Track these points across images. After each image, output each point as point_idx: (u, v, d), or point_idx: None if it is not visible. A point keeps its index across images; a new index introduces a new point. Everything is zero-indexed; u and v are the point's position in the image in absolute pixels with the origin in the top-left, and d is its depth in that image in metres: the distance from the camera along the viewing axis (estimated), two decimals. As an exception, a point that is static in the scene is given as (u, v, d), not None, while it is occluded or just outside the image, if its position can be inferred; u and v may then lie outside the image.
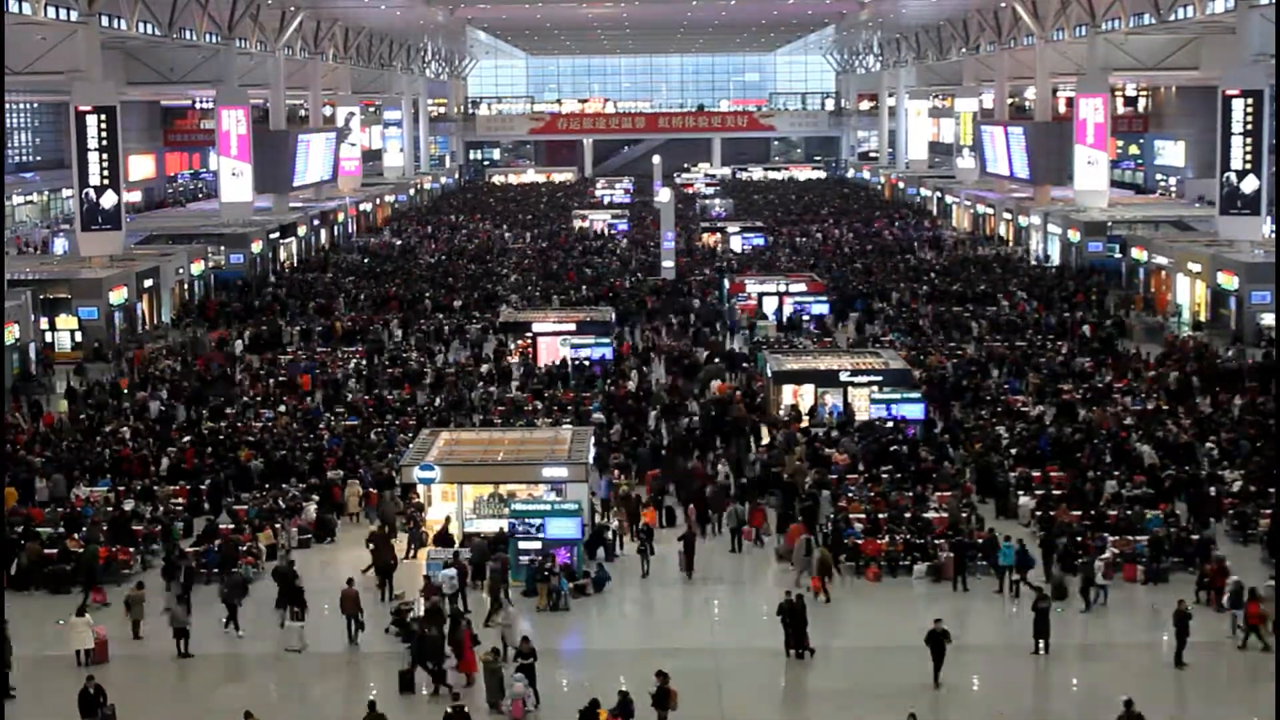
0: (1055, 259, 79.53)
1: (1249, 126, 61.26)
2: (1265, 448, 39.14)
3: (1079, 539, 32.80)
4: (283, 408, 46.54)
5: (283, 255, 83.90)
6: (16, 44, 62.04)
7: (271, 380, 51.21)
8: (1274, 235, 64.03)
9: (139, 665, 28.41)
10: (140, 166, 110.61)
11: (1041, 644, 28.02)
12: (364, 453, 40.69)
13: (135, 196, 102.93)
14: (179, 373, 52.61)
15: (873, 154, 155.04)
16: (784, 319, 60.91)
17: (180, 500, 37.43)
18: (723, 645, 29.16)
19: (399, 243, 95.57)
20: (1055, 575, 31.29)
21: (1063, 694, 27.16)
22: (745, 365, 52.51)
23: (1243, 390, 46.44)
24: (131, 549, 33.90)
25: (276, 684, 28.13)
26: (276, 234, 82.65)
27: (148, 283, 63.70)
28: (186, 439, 42.38)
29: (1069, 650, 28.49)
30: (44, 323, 56.77)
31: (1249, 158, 61.52)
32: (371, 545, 32.78)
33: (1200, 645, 28.13)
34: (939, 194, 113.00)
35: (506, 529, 32.89)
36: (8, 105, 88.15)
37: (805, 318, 60.85)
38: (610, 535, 34.34)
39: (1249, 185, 61.79)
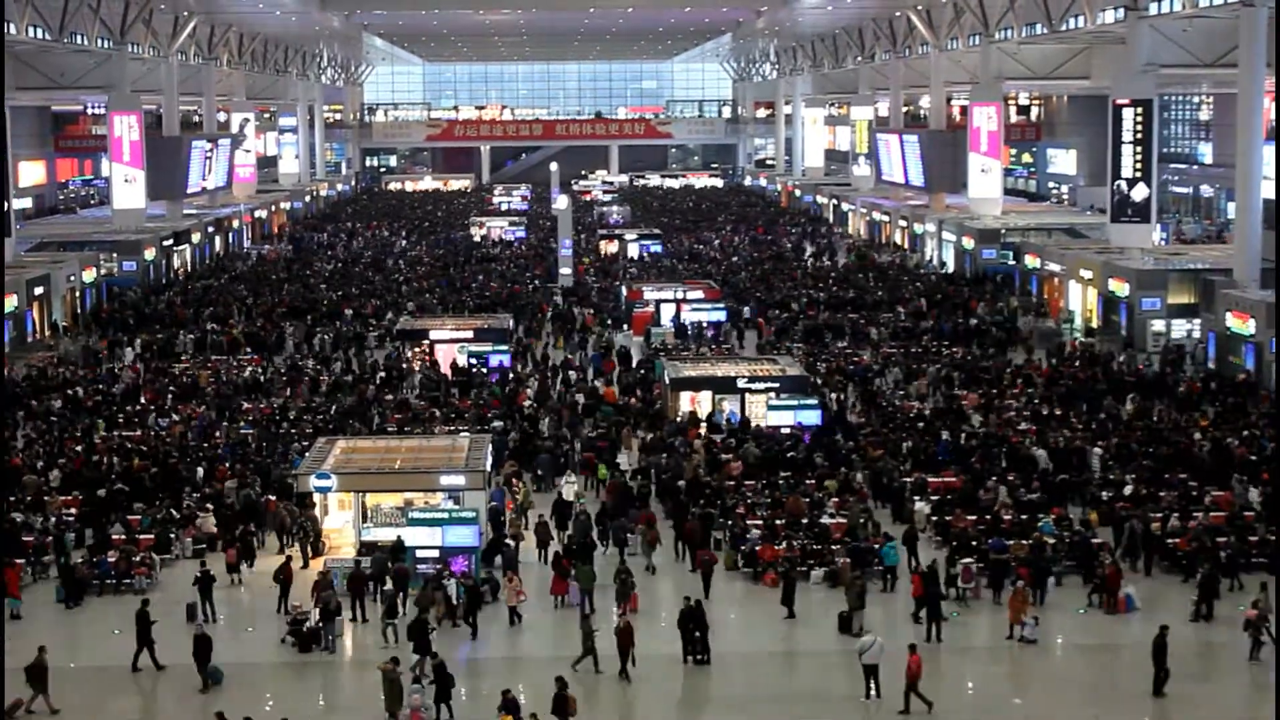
0: (950, 266, 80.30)
1: (1139, 135, 62.13)
2: (1156, 452, 39.83)
3: (973, 543, 33.14)
4: (176, 416, 46.00)
5: (176, 263, 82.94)
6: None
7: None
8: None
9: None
10: (30, 173, 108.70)
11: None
12: (258, 461, 40.28)
13: (25, 203, 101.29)
14: (72, 381, 51.86)
15: (770, 161, 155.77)
16: (680, 326, 60.84)
17: (72, 511, 36.84)
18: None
19: (292, 249, 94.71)
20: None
21: (958, 694, 27.32)
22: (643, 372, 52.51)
23: (1136, 397, 47.12)
24: (21, 560, 33.28)
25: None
26: (170, 241, 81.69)
27: (38, 290, 62.68)
28: (79, 448, 41.77)
29: (966, 650, 28.84)
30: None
31: (1139, 166, 62.38)
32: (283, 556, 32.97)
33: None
34: (835, 201, 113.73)
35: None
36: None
37: (705, 325, 60.93)
38: (510, 543, 34.10)
39: (1139, 193, 62.62)
